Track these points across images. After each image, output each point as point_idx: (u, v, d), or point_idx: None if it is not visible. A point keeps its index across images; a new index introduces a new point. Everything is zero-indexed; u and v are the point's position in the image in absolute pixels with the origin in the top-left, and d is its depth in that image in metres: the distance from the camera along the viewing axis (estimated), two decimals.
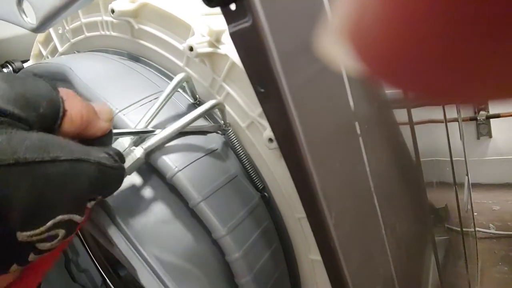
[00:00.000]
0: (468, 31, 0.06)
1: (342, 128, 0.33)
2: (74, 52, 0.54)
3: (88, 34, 0.50)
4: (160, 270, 0.32)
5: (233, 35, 0.21)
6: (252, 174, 0.40)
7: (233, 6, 0.20)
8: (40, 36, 0.59)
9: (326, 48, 0.09)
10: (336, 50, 0.08)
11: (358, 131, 0.35)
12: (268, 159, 0.38)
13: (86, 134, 0.26)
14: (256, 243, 0.35)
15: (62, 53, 0.56)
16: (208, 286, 0.33)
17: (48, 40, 0.58)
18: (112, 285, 0.70)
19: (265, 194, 0.40)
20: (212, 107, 0.36)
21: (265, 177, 0.40)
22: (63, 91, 0.24)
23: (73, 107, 0.24)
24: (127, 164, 0.32)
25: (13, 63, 0.63)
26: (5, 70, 0.60)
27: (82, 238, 0.69)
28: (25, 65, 0.63)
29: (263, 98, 0.22)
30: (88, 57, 0.45)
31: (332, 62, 0.09)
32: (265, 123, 0.36)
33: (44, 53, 0.60)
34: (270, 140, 0.35)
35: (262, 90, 0.21)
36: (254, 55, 0.21)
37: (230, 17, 0.21)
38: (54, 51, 0.58)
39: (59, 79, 0.42)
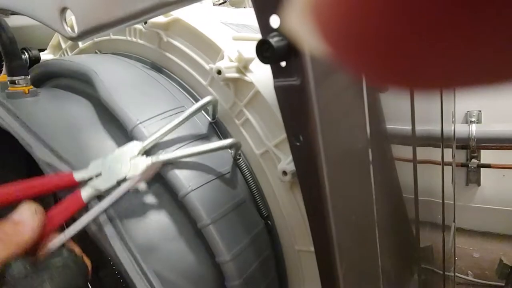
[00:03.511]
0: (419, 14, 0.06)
1: (358, 159, 0.34)
2: (96, 51, 0.54)
3: (113, 37, 0.50)
4: (158, 286, 0.32)
5: (278, 89, 0.22)
6: (258, 201, 0.40)
7: (283, 64, 0.21)
8: None
9: (293, 27, 0.09)
10: (302, 29, 0.08)
11: (371, 158, 0.36)
12: (276, 189, 0.39)
13: None
14: (256, 272, 0.35)
15: (83, 50, 0.56)
16: None
17: None
18: (92, 286, 0.69)
19: (269, 222, 0.40)
20: (231, 146, 0.37)
21: (270, 206, 0.40)
22: None
23: None
24: (131, 172, 0.32)
25: (30, 50, 0.63)
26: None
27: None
28: (42, 54, 0.62)
29: (297, 151, 0.23)
30: (113, 61, 0.46)
31: (299, 40, 0.09)
32: (280, 154, 0.37)
33: (63, 45, 0.60)
34: (284, 173, 0.35)
35: (298, 144, 0.22)
36: (297, 111, 0.22)
37: (278, 72, 0.21)
38: (74, 46, 0.58)
39: (82, 80, 0.42)
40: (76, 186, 0.32)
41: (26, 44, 0.66)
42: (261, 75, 0.38)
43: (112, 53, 0.52)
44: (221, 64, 0.37)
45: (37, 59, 0.61)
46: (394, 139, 0.52)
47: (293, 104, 0.21)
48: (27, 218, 0.27)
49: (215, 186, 0.36)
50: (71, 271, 0.27)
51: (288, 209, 0.39)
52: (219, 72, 0.37)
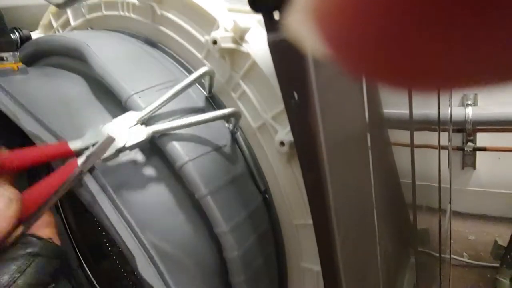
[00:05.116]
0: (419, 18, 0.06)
1: (356, 140, 0.33)
2: (88, 29, 0.53)
3: (106, 13, 0.49)
4: (157, 259, 0.31)
5: (271, 44, 0.21)
6: (256, 176, 0.40)
7: (276, 15, 0.20)
8: (54, 7, 0.57)
9: (293, 28, 0.08)
10: (303, 30, 0.08)
11: (369, 143, 0.35)
12: (274, 163, 0.38)
13: None
14: (254, 245, 0.35)
15: (74, 28, 0.55)
16: (200, 280, 0.33)
17: (61, 12, 0.56)
18: (89, 269, 0.69)
19: (266, 196, 0.40)
20: (230, 115, 0.36)
21: (268, 180, 0.40)
22: None
23: None
24: (130, 142, 0.31)
25: (20, 30, 0.61)
26: (12, 36, 0.58)
27: (63, 215, 0.67)
28: (33, 34, 0.61)
29: (292, 110, 0.22)
30: (105, 35, 0.44)
31: (300, 43, 0.09)
32: (278, 126, 0.37)
33: (54, 24, 0.59)
34: (282, 143, 0.35)
35: (293, 101, 0.21)
36: (292, 67, 0.21)
37: (271, 25, 0.20)
38: (65, 25, 0.57)
39: (74, 56, 0.41)
40: (71, 156, 0.31)
41: (16, 25, 0.64)
42: (258, 45, 0.37)
43: (105, 30, 0.51)
44: (216, 34, 0.36)
45: (28, 38, 0.60)
46: (391, 123, 0.52)
47: (288, 60, 0.21)
48: (2, 208, 0.25)
49: (213, 158, 0.35)
50: (42, 259, 0.25)
51: (285, 183, 0.38)
52: (214, 42, 0.36)
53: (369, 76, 0.08)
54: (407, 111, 0.53)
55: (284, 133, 0.35)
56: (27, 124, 0.32)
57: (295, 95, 0.22)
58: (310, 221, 0.38)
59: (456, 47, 0.07)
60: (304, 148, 0.25)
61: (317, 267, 0.39)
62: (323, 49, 0.08)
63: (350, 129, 0.33)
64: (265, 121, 0.37)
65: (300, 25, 0.08)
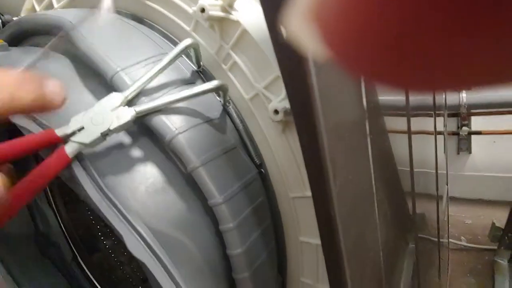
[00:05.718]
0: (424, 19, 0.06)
1: (354, 124, 0.32)
2: None
3: None
4: (149, 237, 0.30)
5: None
6: (250, 149, 0.39)
7: None
8: None
9: (293, 30, 0.08)
10: (303, 32, 0.08)
11: (368, 131, 0.34)
12: (268, 135, 0.37)
13: None
14: (250, 217, 0.34)
15: None
16: (198, 256, 0.32)
17: None
18: (83, 261, 0.67)
19: (262, 170, 0.39)
20: (217, 88, 0.35)
21: (263, 153, 0.39)
22: None
23: None
24: (115, 124, 0.31)
25: (2, 15, 0.59)
26: None
27: (55, 209, 0.66)
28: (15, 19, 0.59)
29: (281, 50, 0.20)
30: (89, 12, 0.43)
31: (299, 45, 0.08)
32: (271, 96, 0.35)
33: (37, 8, 0.57)
34: (276, 111, 0.34)
35: (281, 43, 0.20)
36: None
37: None
38: (49, 7, 0.55)
39: (56, 34, 0.39)
40: (59, 142, 0.30)
41: None
42: (248, 13, 0.36)
43: None
44: (204, 2, 0.35)
45: None
46: (386, 110, 0.51)
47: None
48: None
49: (204, 130, 0.34)
50: None
51: (281, 155, 0.37)
52: (202, 10, 0.35)
53: (370, 77, 0.08)
54: (402, 98, 0.52)
55: (278, 100, 0.34)
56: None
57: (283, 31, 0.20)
58: (308, 194, 0.37)
59: (465, 48, 0.07)
60: (294, 86, 0.23)
61: (316, 241, 0.38)
62: (323, 50, 0.08)
63: (351, 110, 0.32)
64: (258, 92, 0.36)
65: (302, 28, 0.08)
